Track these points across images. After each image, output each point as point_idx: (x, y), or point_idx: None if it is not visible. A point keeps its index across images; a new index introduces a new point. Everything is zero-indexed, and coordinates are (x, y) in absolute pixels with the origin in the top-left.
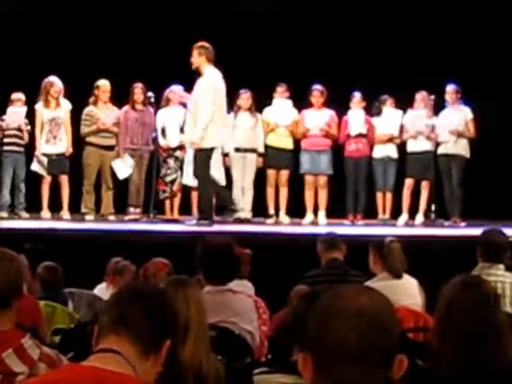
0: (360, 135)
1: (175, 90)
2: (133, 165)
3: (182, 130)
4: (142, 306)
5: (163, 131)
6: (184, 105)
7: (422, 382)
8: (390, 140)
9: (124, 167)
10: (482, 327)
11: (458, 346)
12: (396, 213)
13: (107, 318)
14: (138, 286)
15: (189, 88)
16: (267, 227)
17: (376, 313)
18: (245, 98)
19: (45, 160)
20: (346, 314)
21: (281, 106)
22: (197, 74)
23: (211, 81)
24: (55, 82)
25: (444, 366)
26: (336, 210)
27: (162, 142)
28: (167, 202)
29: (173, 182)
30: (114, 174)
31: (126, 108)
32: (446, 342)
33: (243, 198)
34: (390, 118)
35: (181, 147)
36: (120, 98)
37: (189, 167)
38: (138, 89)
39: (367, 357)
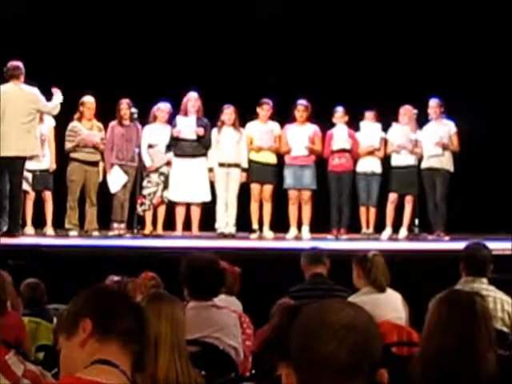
0: (343, 150)
1: (162, 108)
2: (126, 179)
3: (168, 148)
4: (140, 319)
5: (149, 148)
6: (170, 122)
7: None
8: (371, 153)
9: (117, 179)
10: (472, 342)
11: (446, 360)
12: (380, 227)
13: (115, 327)
14: (127, 295)
15: (176, 104)
16: (251, 242)
17: (363, 326)
18: (228, 113)
19: (29, 176)
20: (334, 328)
21: (265, 128)
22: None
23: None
24: None
25: (430, 380)
26: (320, 225)
27: (147, 162)
28: (148, 217)
29: (151, 195)
30: (98, 190)
31: (113, 124)
32: (434, 357)
33: (227, 213)
34: (368, 131)
35: (167, 163)
36: (105, 113)
37: (174, 182)
38: (124, 104)
39: (355, 371)
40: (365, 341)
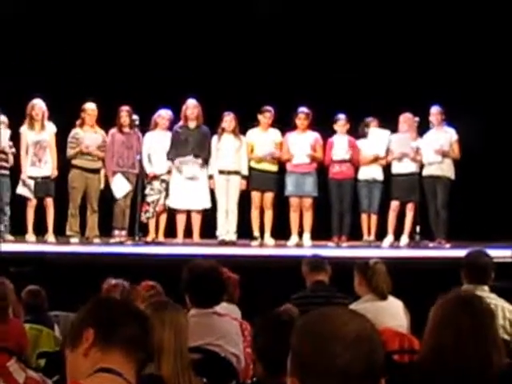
0: (343, 160)
1: (163, 115)
2: (129, 188)
3: (167, 156)
4: (144, 326)
5: (150, 155)
6: (170, 130)
7: None
8: (376, 160)
9: (121, 185)
10: (479, 341)
11: (452, 358)
12: (381, 234)
13: (117, 336)
14: (130, 304)
15: (177, 110)
16: (252, 249)
17: (370, 336)
18: (228, 120)
19: (31, 183)
20: (347, 339)
21: (266, 136)
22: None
23: None
24: (36, 104)
25: (437, 378)
26: (321, 232)
27: (148, 168)
28: (151, 224)
29: (154, 202)
30: (99, 197)
31: (113, 131)
32: (441, 355)
33: (227, 221)
34: (376, 139)
35: (168, 171)
36: (106, 120)
37: (175, 190)
38: (124, 112)
39: (364, 380)
40: (373, 350)
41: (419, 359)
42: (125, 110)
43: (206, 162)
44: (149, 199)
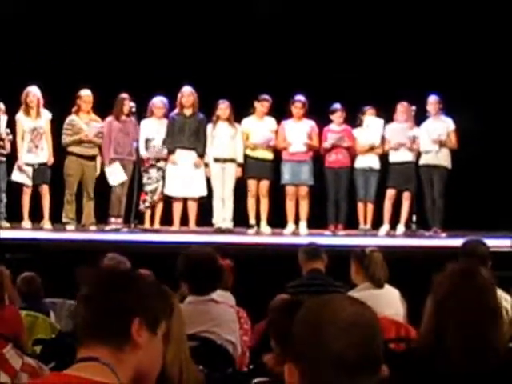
0: (339, 146)
1: (159, 103)
2: (125, 178)
3: (163, 143)
4: (89, 305)
5: (147, 142)
6: (167, 116)
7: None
8: (372, 149)
9: (118, 173)
10: (483, 314)
11: (458, 333)
12: (377, 223)
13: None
14: (87, 286)
15: (172, 98)
16: (248, 237)
17: (370, 323)
18: (223, 108)
19: (29, 169)
20: (344, 324)
21: (262, 125)
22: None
23: None
24: (31, 92)
25: (442, 355)
26: (317, 221)
27: (144, 153)
28: (148, 212)
29: (153, 191)
30: (95, 184)
31: (110, 118)
32: (446, 330)
33: (223, 209)
34: (371, 128)
35: (164, 158)
36: (102, 107)
37: (171, 177)
38: (127, 99)
39: (363, 366)
40: (370, 337)
41: (419, 341)
42: (127, 98)
43: (201, 156)
44: (147, 188)
